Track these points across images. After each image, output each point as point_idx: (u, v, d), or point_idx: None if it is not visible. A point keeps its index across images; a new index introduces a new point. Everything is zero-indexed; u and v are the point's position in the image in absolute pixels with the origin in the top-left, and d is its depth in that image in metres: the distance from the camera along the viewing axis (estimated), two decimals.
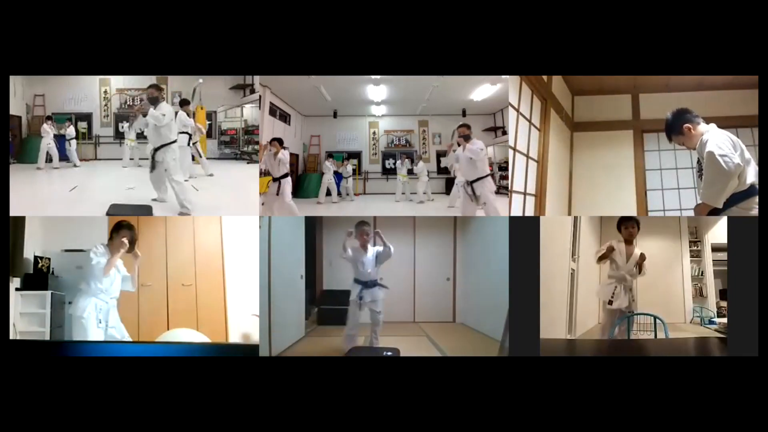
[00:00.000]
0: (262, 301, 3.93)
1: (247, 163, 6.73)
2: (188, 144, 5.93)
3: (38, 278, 4.12)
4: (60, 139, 6.28)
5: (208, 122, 6.88)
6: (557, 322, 4.42)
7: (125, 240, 3.60)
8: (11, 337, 3.60)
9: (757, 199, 2.99)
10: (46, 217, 4.32)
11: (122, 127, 6.79)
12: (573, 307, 4.74)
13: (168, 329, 4.29)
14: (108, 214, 4.27)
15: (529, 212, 4.82)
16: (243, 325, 4.20)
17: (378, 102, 7.66)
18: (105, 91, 6.82)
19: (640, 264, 4.06)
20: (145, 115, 4.54)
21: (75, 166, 6.42)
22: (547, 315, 3.53)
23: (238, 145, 7.05)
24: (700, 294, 6.11)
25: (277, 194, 5.02)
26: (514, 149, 4.71)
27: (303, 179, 7.75)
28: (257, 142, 6.69)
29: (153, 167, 4.60)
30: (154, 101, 4.51)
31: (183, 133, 5.73)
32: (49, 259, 4.24)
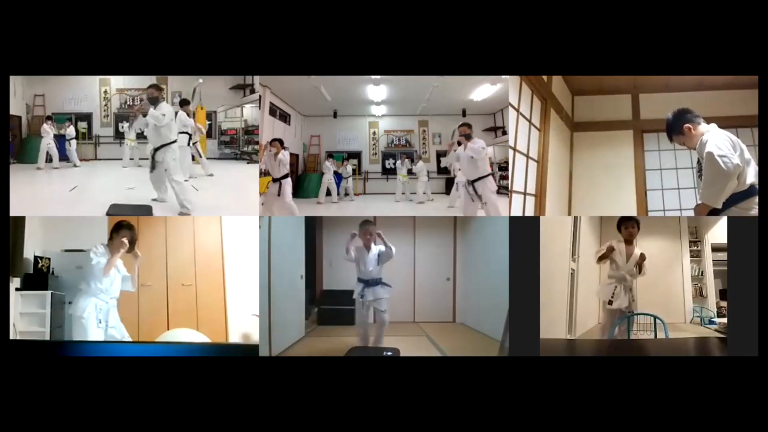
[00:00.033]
0: (262, 301, 3.93)
1: (247, 163, 6.73)
2: (188, 144, 5.93)
3: (38, 278, 4.12)
4: (60, 139, 6.29)
5: (208, 122, 6.88)
6: (557, 322, 4.42)
7: (125, 240, 3.60)
8: (11, 337, 3.60)
9: (756, 199, 2.99)
10: (46, 217, 4.32)
11: (122, 127, 6.79)
12: (573, 307, 4.74)
13: (168, 329, 4.29)
14: (108, 214, 4.27)
15: (529, 212, 4.82)
16: (243, 325, 4.20)
17: (378, 102, 7.66)
18: (105, 91, 6.83)
19: (640, 264, 4.06)
20: (145, 115, 4.54)
21: (75, 166, 6.43)
22: (547, 315, 3.53)
23: (238, 145, 7.06)
24: (700, 294, 6.11)
25: (278, 195, 5.03)
26: (514, 149, 4.71)
27: (303, 179, 7.75)
28: (257, 142, 6.69)
29: (153, 167, 4.60)
30: (154, 101, 4.51)
31: (183, 133, 5.73)
32: (49, 259, 4.24)
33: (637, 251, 4.06)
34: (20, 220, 3.92)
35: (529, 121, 4.93)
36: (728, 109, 5.16)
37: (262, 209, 4.81)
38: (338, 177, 7.54)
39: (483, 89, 6.68)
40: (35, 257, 4.17)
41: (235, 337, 4.33)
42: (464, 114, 7.62)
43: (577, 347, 3.87)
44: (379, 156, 8.20)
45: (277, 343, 4.31)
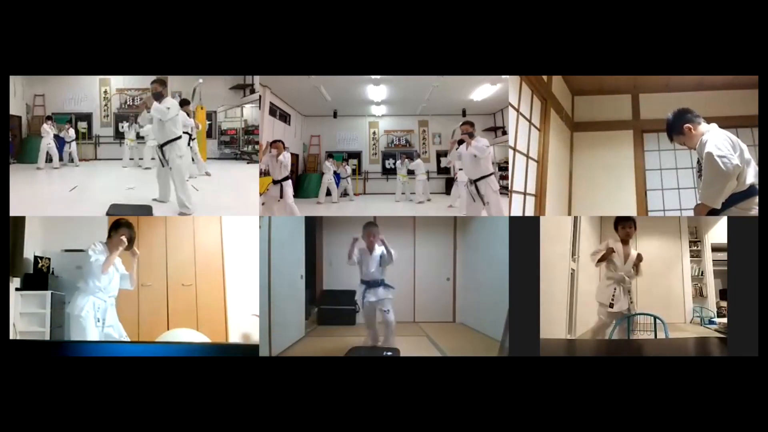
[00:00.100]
0: (262, 301, 3.93)
1: (247, 163, 6.73)
2: (188, 144, 5.92)
3: (38, 278, 4.11)
4: (60, 140, 6.29)
5: (208, 122, 6.89)
6: (557, 322, 4.42)
7: (124, 238, 3.60)
8: (11, 337, 3.60)
9: (756, 199, 3.00)
10: (46, 217, 4.31)
11: (122, 127, 6.79)
12: (573, 307, 4.73)
13: (168, 329, 4.29)
14: (108, 214, 4.27)
15: (529, 212, 4.82)
16: (243, 325, 4.20)
17: (378, 102, 7.65)
18: (105, 91, 6.83)
19: (637, 265, 4.05)
20: (149, 110, 4.54)
21: (75, 165, 6.42)
22: (547, 315, 3.52)
23: (238, 145, 7.06)
24: (700, 294, 6.11)
25: (280, 198, 5.01)
26: (514, 149, 4.70)
27: (303, 179, 7.75)
28: (257, 142, 6.69)
29: (164, 163, 4.58)
30: (158, 96, 4.51)
31: (184, 133, 5.72)
32: (49, 259, 4.24)
33: (633, 252, 4.06)
34: (20, 220, 3.92)
35: (529, 121, 4.93)
36: (728, 109, 5.16)
37: (262, 210, 4.81)
38: (338, 177, 7.55)
39: (483, 89, 6.67)
40: (35, 257, 4.16)
41: (235, 337, 4.33)
42: (464, 114, 7.61)
43: (577, 347, 3.88)
44: (379, 156, 8.20)
45: (277, 343, 4.31)
